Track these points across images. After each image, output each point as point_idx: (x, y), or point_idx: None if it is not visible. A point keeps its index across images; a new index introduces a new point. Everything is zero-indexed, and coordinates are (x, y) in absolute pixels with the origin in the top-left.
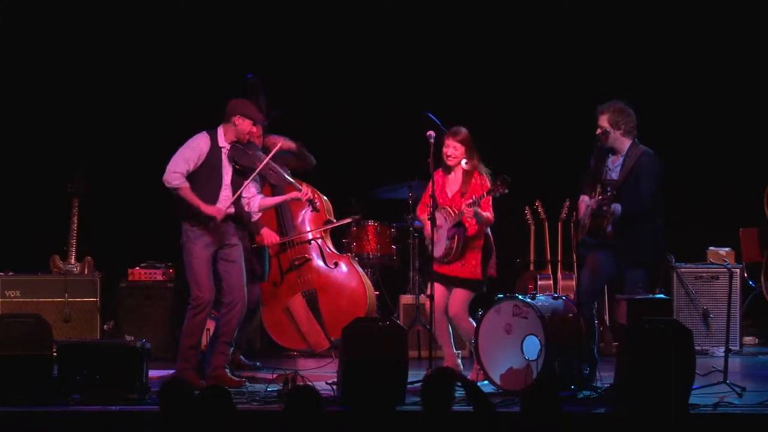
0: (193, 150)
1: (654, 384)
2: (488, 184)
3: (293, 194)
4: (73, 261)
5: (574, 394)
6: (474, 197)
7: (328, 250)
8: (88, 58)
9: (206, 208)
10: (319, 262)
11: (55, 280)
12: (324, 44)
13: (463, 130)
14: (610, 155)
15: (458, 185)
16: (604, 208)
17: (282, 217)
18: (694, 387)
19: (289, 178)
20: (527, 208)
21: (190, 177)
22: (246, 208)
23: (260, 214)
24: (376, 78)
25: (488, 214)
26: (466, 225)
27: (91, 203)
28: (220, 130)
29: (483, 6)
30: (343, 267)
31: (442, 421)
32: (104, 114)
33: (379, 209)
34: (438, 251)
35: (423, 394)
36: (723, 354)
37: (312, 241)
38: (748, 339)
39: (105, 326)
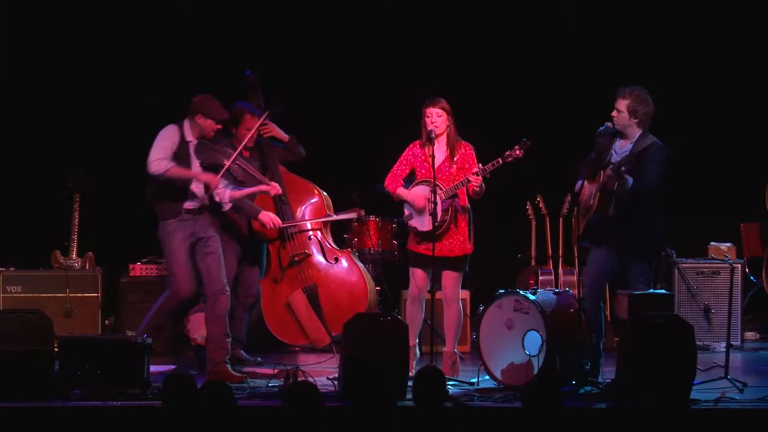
0: (167, 139)
1: (655, 379)
2: (473, 152)
3: (262, 187)
4: (74, 256)
5: (575, 390)
6: (480, 165)
7: (328, 245)
8: (89, 53)
9: (201, 176)
10: (319, 258)
11: (57, 275)
12: (324, 39)
13: (442, 98)
14: (617, 139)
15: (443, 154)
16: (623, 167)
17: (281, 211)
18: (695, 382)
19: (256, 174)
20: (528, 203)
21: None
22: (216, 198)
23: (231, 205)
24: (378, 71)
25: (483, 185)
26: (459, 195)
27: (93, 198)
28: (186, 125)
29: (484, 4)
30: (344, 262)
31: (435, 417)
32: (105, 109)
33: (381, 204)
34: (426, 225)
35: (414, 390)
36: (724, 349)
37: (312, 237)
38: (749, 334)
39: (106, 321)
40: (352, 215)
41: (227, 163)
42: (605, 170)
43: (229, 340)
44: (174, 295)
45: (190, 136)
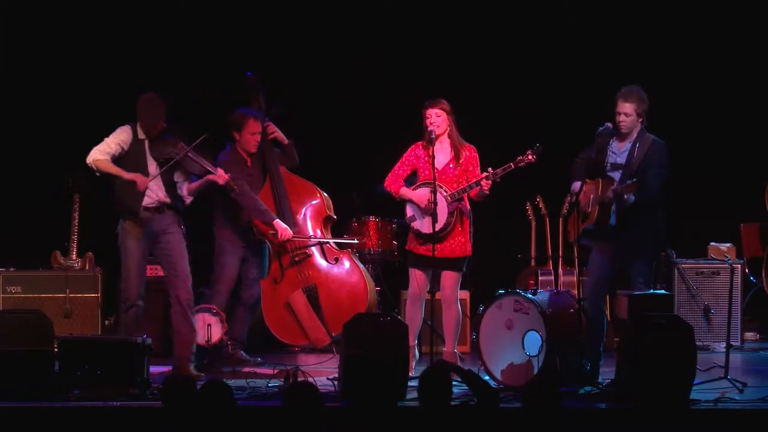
0: (115, 137)
1: (655, 379)
2: (476, 154)
3: (210, 177)
4: (74, 256)
5: (575, 390)
6: (491, 170)
7: (328, 245)
8: (89, 54)
9: (127, 175)
10: (320, 258)
11: (56, 275)
12: (324, 39)
13: (442, 99)
14: (614, 140)
15: (447, 156)
16: (625, 197)
17: (282, 214)
18: (695, 382)
19: (206, 165)
20: (528, 203)
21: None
22: (178, 192)
23: (191, 198)
24: (378, 71)
25: None
26: (464, 199)
27: (93, 198)
28: (139, 125)
29: (484, 4)
30: (344, 262)
31: (440, 416)
32: (106, 110)
33: (380, 204)
34: (427, 227)
35: (420, 389)
36: (724, 349)
37: (312, 237)
38: (749, 334)
39: (106, 322)
40: (355, 242)
41: (176, 158)
42: (605, 180)
43: (195, 334)
44: (124, 300)
45: (143, 134)
